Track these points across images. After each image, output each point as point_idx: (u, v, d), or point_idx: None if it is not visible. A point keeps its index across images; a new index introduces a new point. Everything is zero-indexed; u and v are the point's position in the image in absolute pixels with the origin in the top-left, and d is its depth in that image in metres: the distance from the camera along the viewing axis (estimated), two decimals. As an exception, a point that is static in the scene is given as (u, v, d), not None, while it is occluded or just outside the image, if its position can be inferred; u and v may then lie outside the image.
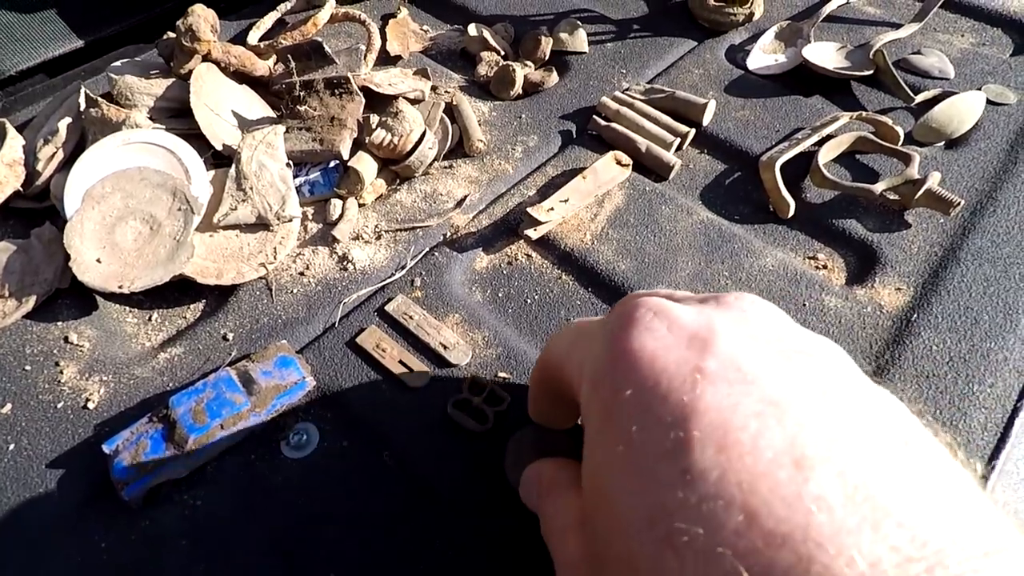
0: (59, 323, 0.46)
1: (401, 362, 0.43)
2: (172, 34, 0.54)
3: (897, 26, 0.67)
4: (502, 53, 0.65)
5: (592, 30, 0.68)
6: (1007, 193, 0.51)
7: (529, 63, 0.64)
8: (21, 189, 0.51)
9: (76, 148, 0.52)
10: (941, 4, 0.68)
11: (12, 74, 0.66)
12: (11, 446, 0.40)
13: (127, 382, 0.43)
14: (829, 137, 0.55)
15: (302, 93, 0.53)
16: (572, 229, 0.51)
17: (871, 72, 0.61)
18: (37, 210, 0.52)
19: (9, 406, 0.42)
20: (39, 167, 0.51)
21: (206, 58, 0.54)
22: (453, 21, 0.71)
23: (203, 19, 0.51)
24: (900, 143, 0.55)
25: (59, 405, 0.42)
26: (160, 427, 0.38)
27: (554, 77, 0.62)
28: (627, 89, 0.61)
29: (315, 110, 0.53)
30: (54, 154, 0.51)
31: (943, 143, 0.56)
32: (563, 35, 0.65)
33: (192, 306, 0.48)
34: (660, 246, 0.50)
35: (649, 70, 0.64)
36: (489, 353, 0.44)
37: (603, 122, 0.57)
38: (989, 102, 0.59)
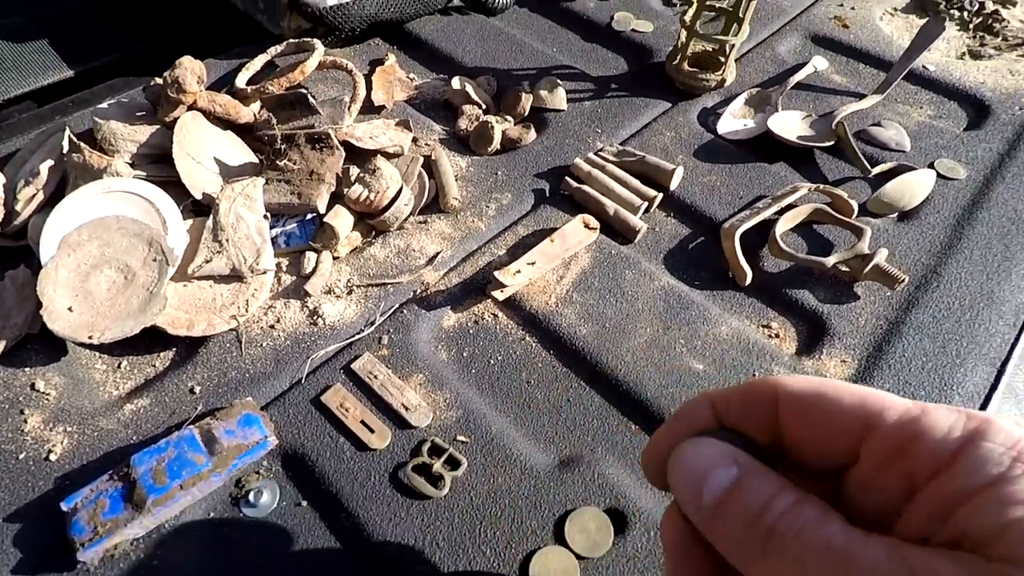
0: (27, 369, 0.47)
1: (363, 422, 0.45)
2: (159, 80, 0.56)
3: (861, 96, 0.70)
4: (483, 107, 0.67)
5: (572, 87, 0.70)
6: (950, 269, 0.54)
7: (509, 118, 0.67)
8: (-2, 229, 0.52)
9: (56, 190, 0.53)
10: (903, 76, 0.71)
11: (-2, 103, 0.67)
12: (-29, 496, 0.40)
13: (91, 434, 0.43)
14: (789, 207, 0.57)
15: (283, 146, 0.55)
16: (538, 291, 0.53)
17: (833, 143, 0.64)
18: (12, 248, 0.53)
19: (-28, 454, 0.42)
20: (18, 207, 0.52)
21: (192, 106, 0.55)
22: (439, 70, 0.73)
23: (190, 71, 0.52)
24: (854, 215, 0.57)
25: (21, 456, 0.42)
26: (120, 486, 0.39)
27: (532, 134, 0.64)
28: (601, 150, 0.63)
29: (295, 163, 0.54)
30: (34, 196, 0.52)
31: (896, 215, 0.59)
32: (543, 92, 0.68)
33: (162, 354, 0.49)
34: (621, 311, 0.51)
35: (623, 130, 0.66)
36: (449, 415, 0.45)
37: (575, 184, 0.59)
38: (940, 176, 0.62)
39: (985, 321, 0.51)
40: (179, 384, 0.46)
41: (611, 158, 0.62)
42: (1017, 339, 0.50)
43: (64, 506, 0.38)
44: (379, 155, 0.57)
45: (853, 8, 0.82)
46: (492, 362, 0.49)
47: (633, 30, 0.78)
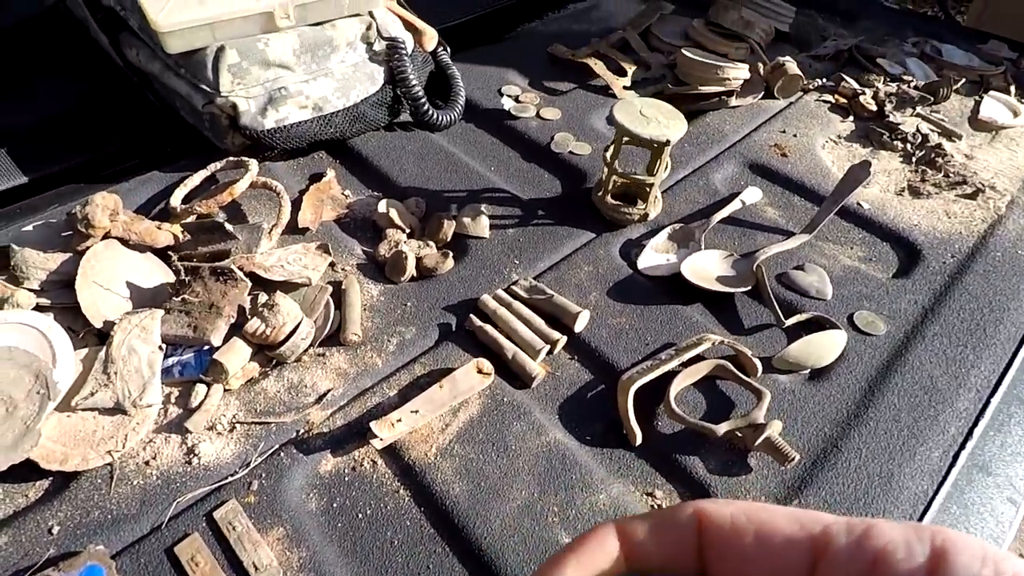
0: (-102, 498, 0.47)
1: (211, 580, 0.44)
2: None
3: (790, 234, 0.70)
4: (407, 231, 0.68)
5: (500, 212, 0.71)
6: (852, 443, 0.52)
7: (431, 243, 0.68)
8: (-93, 347, 0.54)
9: (-35, 314, 0.55)
10: (836, 211, 0.71)
11: (-51, 208, 0.70)
12: None
13: (-61, 576, 0.44)
14: (693, 359, 0.56)
15: (188, 278, 0.56)
16: (420, 439, 0.52)
17: (751, 287, 0.63)
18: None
19: None
20: (-74, 329, 0.53)
21: (107, 235, 0.57)
22: (375, 187, 0.75)
23: (101, 208, 0.54)
24: (758, 374, 0.56)
25: None
26: (-59, 647, 0.39)
27: (449, 263, 0.65)
28: (514, 283, 0.63)
29: (197, 296, 0.56)
30: (-59, 319, 0.53)
31: (808, 371, 0.58)
32: (466, 220, 0.69)
33: (37, 484, 0.49)
34: (500, 469, 0.50)
35: (542, 262, 0.67)
36: (300, 578, 0.44)
37: (478, 322, 0.59)
38: (858, 331, 0.60)
39: (880, 511, 0.48)
40: (40, 522, 0.46)
41: (522, 294, 0.62)
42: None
43: None
44: (279, 289, 0.58)
45: (795, 135, 0.83)
46: (360, 516, 0.48)
47: (571, 152, 0.79)
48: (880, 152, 0.82)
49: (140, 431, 0.51)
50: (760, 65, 0.93)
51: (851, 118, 0.88)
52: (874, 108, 0.86)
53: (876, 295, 0.64)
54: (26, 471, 0.49)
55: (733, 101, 0.88)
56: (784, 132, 0.84)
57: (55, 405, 0.50)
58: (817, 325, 0.60)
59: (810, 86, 0.92)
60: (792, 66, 0.90)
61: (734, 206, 0.71)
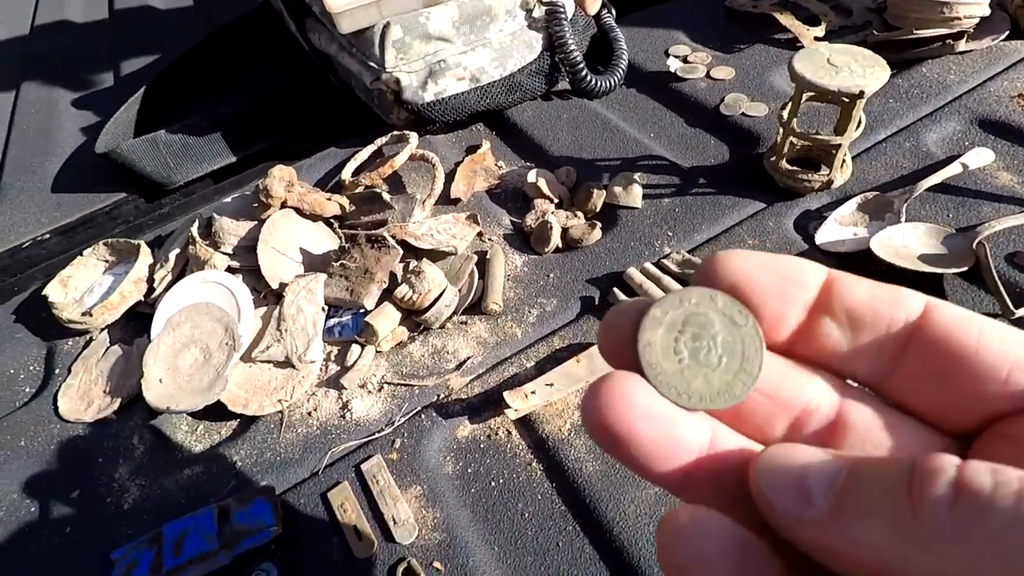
0: (130, 423, 0.57)
1: (355, 527, 0.47)
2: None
3: (1033, 204, 0.55)
4: (555, 201, 0.66)
5: (656, 181, 0.66)
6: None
7: (579, 213, 0.65)
8: (143, 299, 0.65)
9: (181, 274, 0.64)
10: (1110, 177, 0.54)
11: (181, 184, 0.83)
12: (47, 531, 0.51)
13: (155, 491, 0.52)
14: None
15: (347, 244, 0.60)
16: (555, 413, 0.50)
17: (967, 267, 0.51)
18: (151, 315, 0.66)
19: (77, 492, 0.53)
20: (155, 284, 0.64)
21: (284, 204, 0.63)
22: (528, 158, 0.74)
23: (278, 179, 0.60)
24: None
25: (107, 499, 0.52)
26: (151, 550, 0.46)
27: (596, 233, 0.62)
28: (666, 256, 0.58)
29: (354, 261, 0.59)
30: (164, 276, 0.64)
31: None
32: (617, 189, 0.65)
33: (228, 424, 0.57)
34: (638, 454, 0.47)
35: (698, 234, 0.60)
36: (433, 537, 0.45)
37: (622, 296, 0.55)
38: None
39: None
40: (228, 456, 0.53)
41: (673, 268, 0.57)
42: None
43: (113, 556, 0.47)
44: (427, 257, 0.59)
45: (1052, 81, 0.65)
46: (493, 484, 0.48)
47: (743, 114, 0.71)
48: None
49: (304, 384, 0.56)
50: (1003, -6, 0.75)
51: None
52: None
53: None
54: (219, 412, 0.57)
55: (962, 45, 0.71)
56: (1034, 76, 0.66)
57: (239, 356, 0.56)
58: (1067, 319, 0.47)
59: (1077, 14, 0.71)
60: (1051, -10, 0.70)
61: (952, 170, 0.58)
